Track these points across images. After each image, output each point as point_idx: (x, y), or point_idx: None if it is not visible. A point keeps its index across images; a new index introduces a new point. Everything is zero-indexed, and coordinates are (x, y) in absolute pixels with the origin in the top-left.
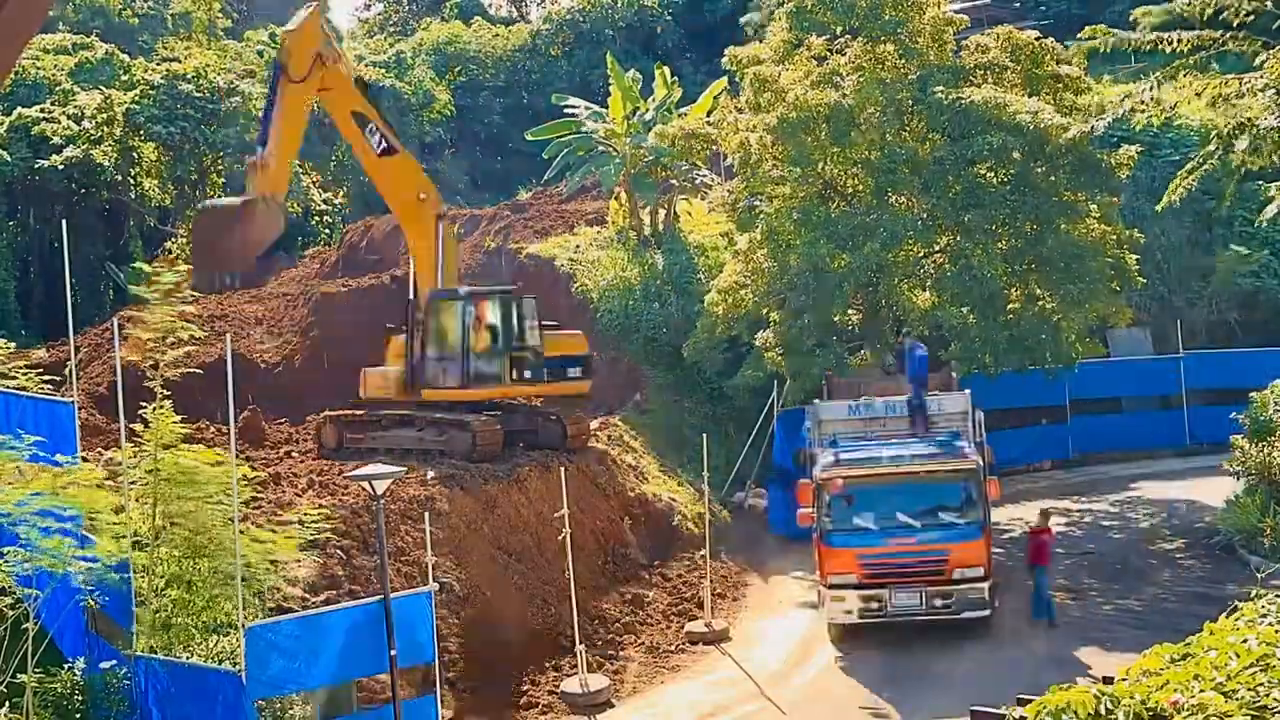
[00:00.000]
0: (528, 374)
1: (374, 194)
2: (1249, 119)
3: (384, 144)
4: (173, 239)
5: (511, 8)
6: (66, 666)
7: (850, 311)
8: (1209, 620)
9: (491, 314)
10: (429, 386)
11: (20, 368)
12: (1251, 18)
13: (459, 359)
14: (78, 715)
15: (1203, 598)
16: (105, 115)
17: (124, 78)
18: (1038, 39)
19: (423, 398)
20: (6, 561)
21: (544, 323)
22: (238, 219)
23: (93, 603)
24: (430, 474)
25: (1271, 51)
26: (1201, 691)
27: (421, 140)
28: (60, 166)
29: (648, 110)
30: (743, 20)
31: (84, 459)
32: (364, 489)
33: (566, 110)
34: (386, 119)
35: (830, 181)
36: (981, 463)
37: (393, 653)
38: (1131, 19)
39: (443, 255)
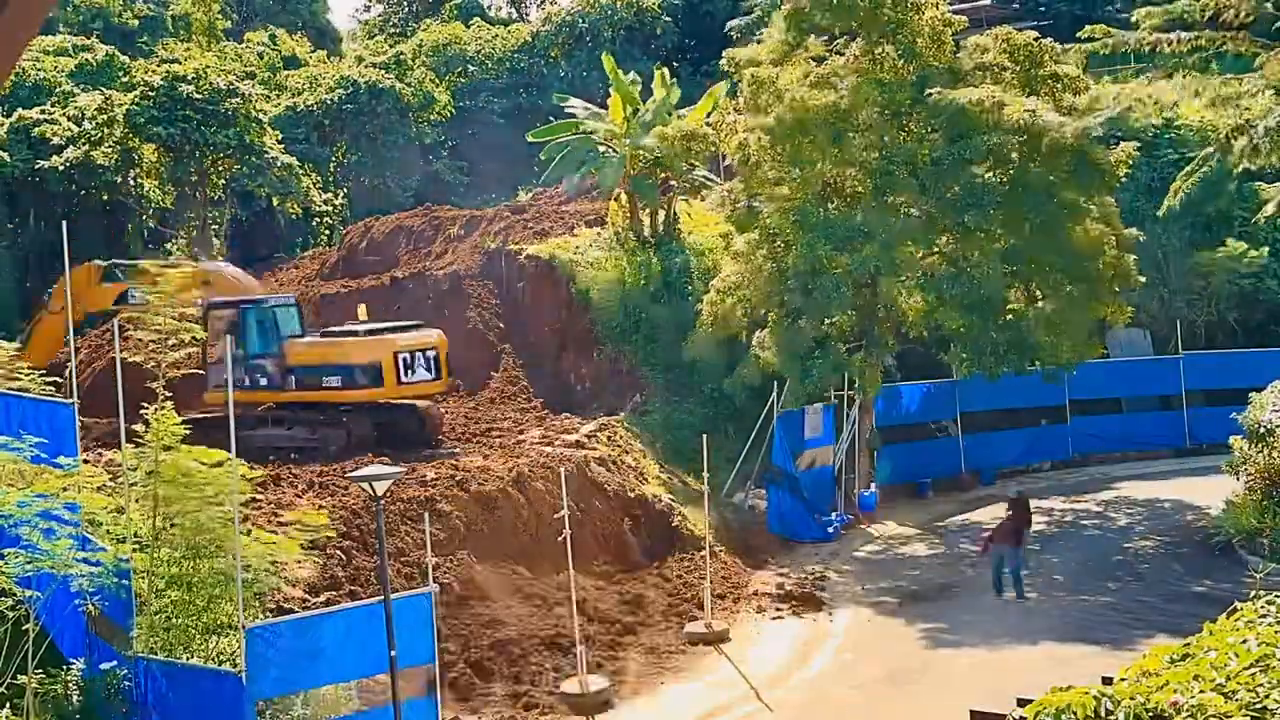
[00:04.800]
0: (263, 381)
1: (374, 195)
2: (1247, 120)
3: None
4: (173, 240)
5: (511, 9)
6: (66, 668)
7: (848, 313)
8: (1208, 620)
9: (225, 325)
10: (206, 391)
11: (20, 369)
12: (1250, 19)
13: (210, 365)
14: (78, 716)
15: (1202, 598)
16: (105, 116)
17: (124, 79)
18: (1036, 39)
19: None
20: (7, 563)
21: (388, 324)
22: None
23: (93, 608)
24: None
25: (1270, 53)
26: (1201, 692)
27: (421, 141)
28: (60, 168)
29: (647, 111)
30: (729, 25)
31: (85, 461)
32: (363, 489)
33: (566, 111)
34: (136, 273)
35: (829, 182)
36: None
37: (393, 653)
38: (1133, 20)
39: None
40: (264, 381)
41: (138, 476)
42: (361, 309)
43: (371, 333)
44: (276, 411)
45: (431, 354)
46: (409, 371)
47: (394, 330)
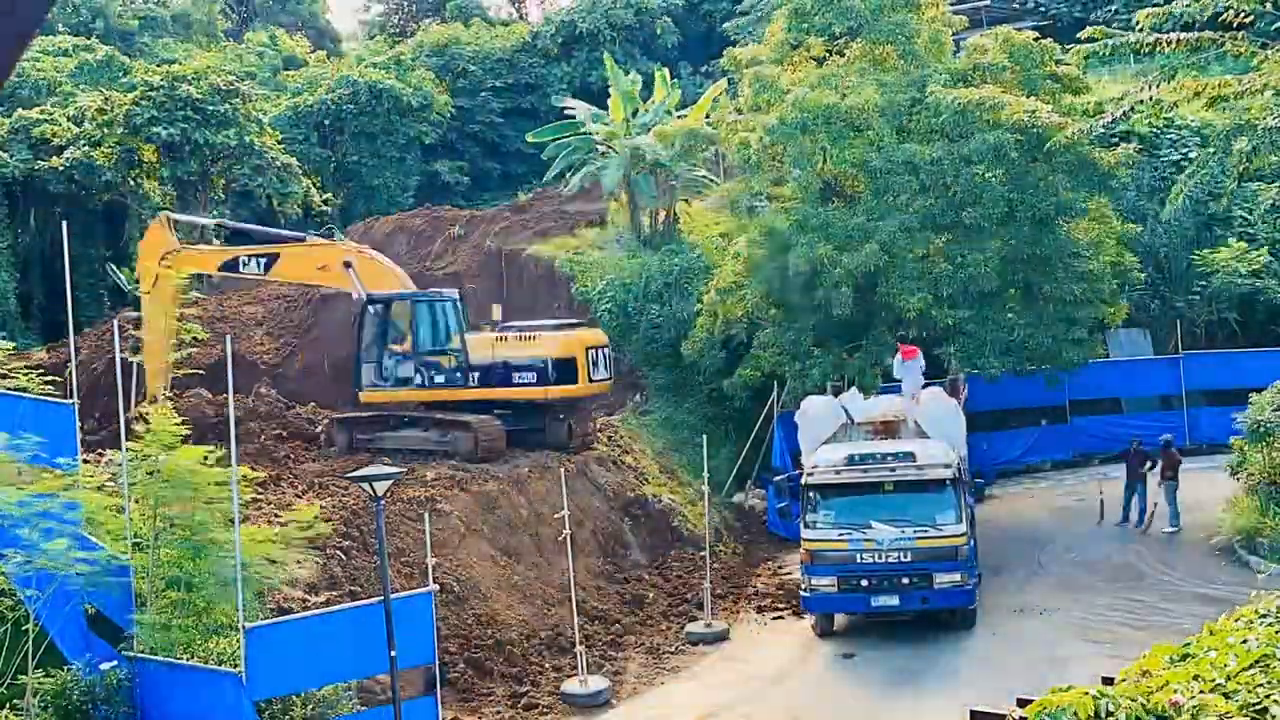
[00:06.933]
0: (439, 379)
1: (374, 195)
2: (1247, 120)
3: (263, 262)
4: None
5: (511, 9)
6: (67, 667)
7: (848, 312)
8: (1209, 620)
9: (397, 318)
10: (360, 389)
11: (20, 369)
12: (1250, 19)
13: (369, 363)
14: (78, 716)
15: (1202, 598)
16: (105, 117)
17: (124, 79)
18: (1036, 39)
19: (359, 401)
20: (7, 562)
21: (553, 321)
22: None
23: (91, 609)
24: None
25: (1269, 52)
26: (1201, 692)
27: (421, 142)
28: (60, 168)
29: (647, 112)
30: (725, 27)
31: (84, 461)
32: (364, 490)
33: (566, 111)
34: (255, 233)
35: (829, 182)
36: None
37: (393, 653)
38: (1135, 22)
39: (362, 288)
40: (440, 379)
41: (138, 476)
42: (496, 309)
43: (553, 329)
44: (413, 412)
45: (606, 351)
46: (594, 368)
47: (569, 327)
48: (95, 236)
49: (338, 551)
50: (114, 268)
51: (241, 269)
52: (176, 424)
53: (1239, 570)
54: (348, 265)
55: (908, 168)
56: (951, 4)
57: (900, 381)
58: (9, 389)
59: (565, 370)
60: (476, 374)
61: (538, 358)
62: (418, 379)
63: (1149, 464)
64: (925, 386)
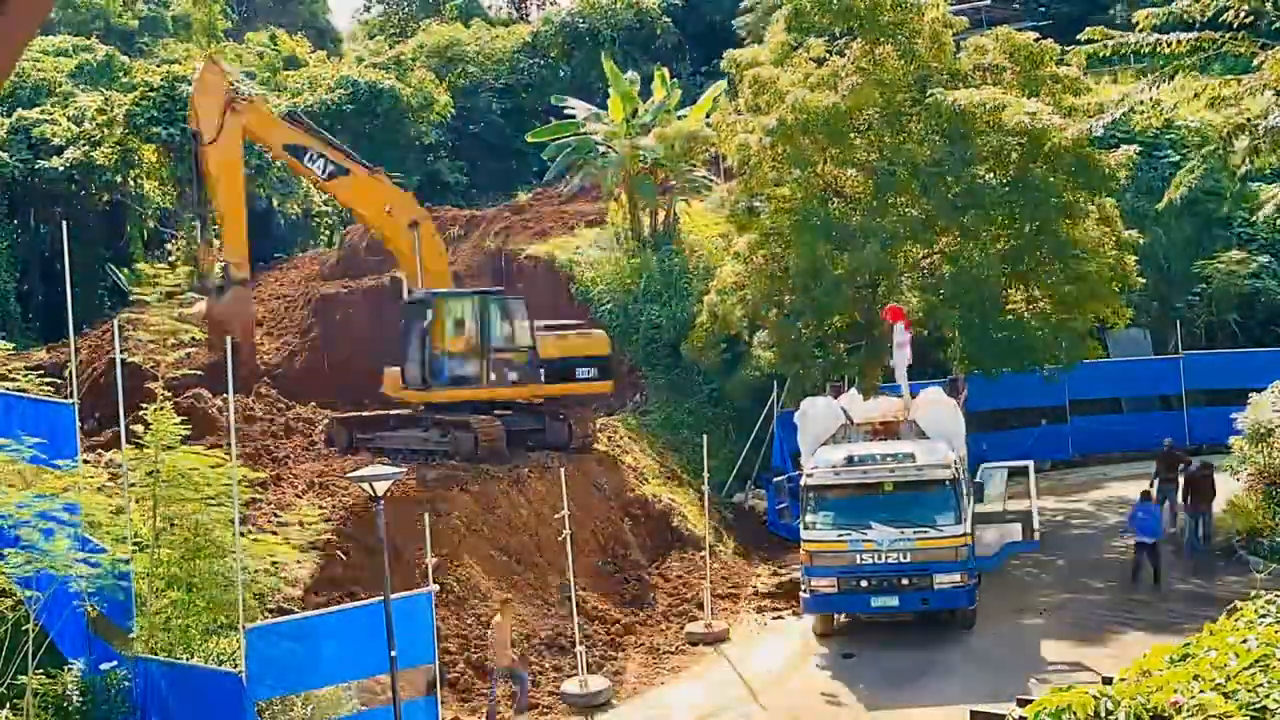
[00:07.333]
0: (513, 375)
1: None
2: (1247, 120)
3: (329, 168)
4: (172, 239)
5: (511, 9)
6: (66, 668)
7: (848, 312)
8: (1209, 620)
9: (465, 315)
10: (410, 388)
11: (20, 369)
12: (1251, 19)
13: (428, 360)
14: (78, 717)
15: (1202, 598)
16: (105, 117)
17: (124, 79)
18: (1036, 40)
19: (405, 399)
20: (7, 563)
21: (566, 323)
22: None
23: (92, 609)
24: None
25: (1270, 53)
26: (1201, 692)
27: (421, 142)
28: (60, 168)
29: (646, 112)
30: (735, 23)
31: (85, 461)
32: (364, 490)
33: (566, 111)
34: (333, 142)
35: (829, 183)
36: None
37: (393, 653)
38: (1135, 21)
39: (421, 259)
40: (513, 376)
41: (137, 477)
42: None
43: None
44: (421, 412)
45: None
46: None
47: (568, 328)
48: (95, 236)
49: (338, 551)
50: (114, 268)
51: (306, 162)
52: (176, 424)
53: (1239, 570)
54: (413, 226)
55: (908, 169)
56: (952, 4)
57: (899, 384)
58: (9, 389)
59: (610, 366)
60: (543, 371)
61: (597, 355)
62: (493, 376)
63: (1183, 467)
64: (925, 386)
